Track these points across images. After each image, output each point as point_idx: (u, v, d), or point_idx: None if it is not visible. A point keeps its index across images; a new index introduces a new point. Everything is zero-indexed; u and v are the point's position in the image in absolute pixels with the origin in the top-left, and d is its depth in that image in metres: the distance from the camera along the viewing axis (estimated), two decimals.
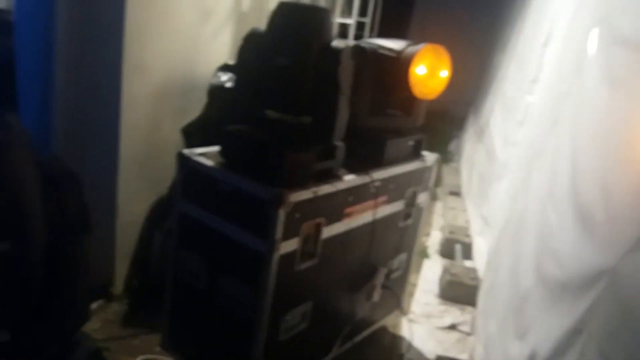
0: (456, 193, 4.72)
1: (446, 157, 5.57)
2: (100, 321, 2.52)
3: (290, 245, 1.84)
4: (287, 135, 1.83)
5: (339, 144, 1.92)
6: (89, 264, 1.03)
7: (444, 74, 2.14)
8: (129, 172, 2.65)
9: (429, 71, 2.10)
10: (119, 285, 2.77)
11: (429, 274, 3.46)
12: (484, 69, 5.55)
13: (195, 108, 2.86)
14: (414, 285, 3.28)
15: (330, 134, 1.80)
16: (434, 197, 4.66)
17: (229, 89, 2.64)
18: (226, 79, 2.69)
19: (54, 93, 2.54)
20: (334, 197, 1.94)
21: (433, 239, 3.99)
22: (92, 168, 2.52)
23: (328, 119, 1.79)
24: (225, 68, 2.76)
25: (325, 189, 1.88)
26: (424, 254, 3.71)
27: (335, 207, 1.98)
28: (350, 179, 2.00)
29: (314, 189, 1.83)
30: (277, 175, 1.77)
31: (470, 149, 5.07)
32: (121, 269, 2.78)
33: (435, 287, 3.29)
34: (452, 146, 6.02)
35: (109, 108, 2.51)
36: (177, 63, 2.78)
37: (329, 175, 1.92)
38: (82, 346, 1.08)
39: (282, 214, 1.73)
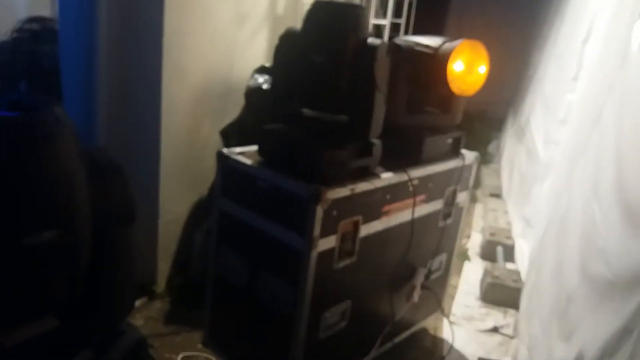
0: (497, 195, 4.63)
1: (486, 158, 5.47)
2: (143, 318, 2.57)
3: (328, 243, 1.84)
4: (324, 133, 1.84)
5: (376, 141, 1.91)
6: (134, 254, 1.06)
7: (482, 69, 2.11)
8: (170, 173, 2.71)
9: (467, 67, 2.07)
10: (161, 284, 2.83)
11: (470, 277, 3.40)
12: (523, 69, 5.45)
13: (233, 110, 2.90)
14: (455, 287, 3.24)
15: (367, 131, 1.80)
16: (473, 199, 4.59)
17: (265, 91, 2.66)
18: (263, 81, 2.72)
19: (96, 98, 2.62)
20: (371, 194, 1.93)
21: (473, 242, 3.93)
22: (134, 169, 2.56)
23: (364, 116, 1.79)
24: (261, 70, 2.79)
25: (363, 186, 1.88)
26: (465, 257, 3.65)
27: (373, 205, 1.98)
28: (387, 177, 1.99)
29: (351, 186, 1.83)
30: (314, 172, 1.78)
31: (511, 149, 4.97)
32: (163, 267, 2.84)
33: (476, 290, 3.24)
34: (491, 147, 5.92)
35: (150, 111, 2.57)
36: (215, 66, 2.83)
37: (366, 173, 1.92)
38: (127, 335, 1.11)
39: (319, 211, 1.74)
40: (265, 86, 2.69)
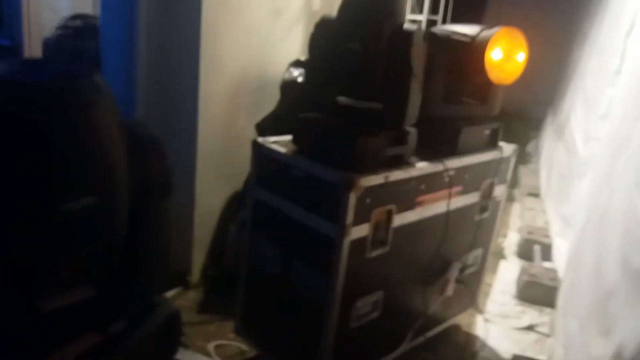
0: (535, 194, 4.53)
1: (524, 158, 5.37)
2: (178, 307, 2.61)
3: (361, 231, 1.83)
4: (359, 121, 1.83)
5: (411, 129, 1.90)
6: (171, 228, 1.08)
7: (521, 57, 2.07)
8: (207, 165, 2.75)
9: (505, 55, 2.03)
10: (196, 274, 2.87)
11: (506, 275, 3.33)
12: (563, 67, 5.33)
13: (268, 104, 2.92)
14: (490, 285, 3.18)
15: (402, 118, 1.78)
16: (511, 199, 4.51)
17: (300, 84, 2.67)
18: (298, 74, 2.73)
19: (136, 92, 2.69)
20: (405, 184, 1.92)
21: (510, 240, 3.85)
22: (172, 161, 2.64)
23: (400, 103, 1.77)
24: (297, 64, 2.81)
25: (397, 175, 1.87)
26: (501, 255, 3.59)
27: (407, 195, 1.96)
28: (422, 166, 1.97)
29: (385, 174, 1.82)
30: (348, 159, 1.77)
31: (549, 148, 4.86)
32: (198, 258, 2.88)
33: (512, 288, 3.17)
34: (530, 147, 5.80)
35: (188, 104, 2.62)
36: (251, 60, 2.86)
37: (401, 162, 1.90)
38: (161, 308, 1.13)
39: (352, 198, 1.73)
40: (300, 79, 2.70)
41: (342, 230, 1.77)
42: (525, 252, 3.57)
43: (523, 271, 3.16)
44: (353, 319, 1.99)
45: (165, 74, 2.66)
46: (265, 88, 2.93)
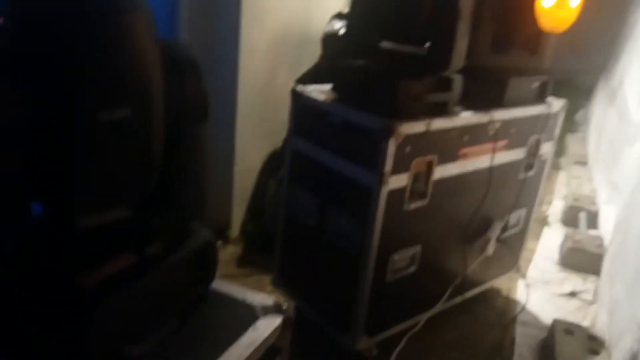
0: (582, 162, 4.38)
1: (572, 127, 5.19)
2: (221, 275, 2.65)
3: (399, 181, 1.79)
4: (401, 66, 1.77)
5: (456, 76, 1.83)
6: (208, 154, 1.06)
7: (575, 2, 1.96)
8: (246, 121, 2.74)
9: (558, 1, 1.93)
10: (235, 230, 2.89)
11: (549, 242, 3.24)
12: (617, 31, 5.07)
13: (309, 61, 2.87)
14: (532, 251, 3.10)
15: (447, 62, 1.71)
16: (557, 167, 4.37)
17: (341, 37, 2.61)
18: (339, 26, 2.67)
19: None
20: (448, 133, 1.86)
21: (555, 208, 3.74)
22: (212, 116, 2.64)
23: (445, 47, 1.70)
24: (339, 16, 2.74)
25: (439, 123, 1.80)
26: (545, 222, 3.49)
27: (449, 146, 1.90)
28: (466, 116, 1.90)
29: (427, 121, 1.76)
30: (388, 105, 1.72)
31: (600, 114, 4.67)
32: (237, 214, 2.90)
33: (555, 255, 3.08)
34: (578, 116, 5.59)
35: (229, 56, 2.60)
36: (293, 15, 2.81)
37: (444, 110, 1.84)
38: (197, 235, 1.13)
39: (391, 145, 1.69)
40: (341, 32, 2.64)
41: (380, 179, 1.73)
42: (570, 219, 3.46)
43: (567, 238, 3.06)
44: (389, 273, 1.96)
45: (206, 26, 2.64)
46: (307, 44, 2.89)
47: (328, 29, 2.72)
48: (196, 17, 2.62)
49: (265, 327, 1.11)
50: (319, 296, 2.15)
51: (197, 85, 1.01)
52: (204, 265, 1.17)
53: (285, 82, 2.86)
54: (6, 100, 0.74)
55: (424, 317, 2.13)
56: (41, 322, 0.91)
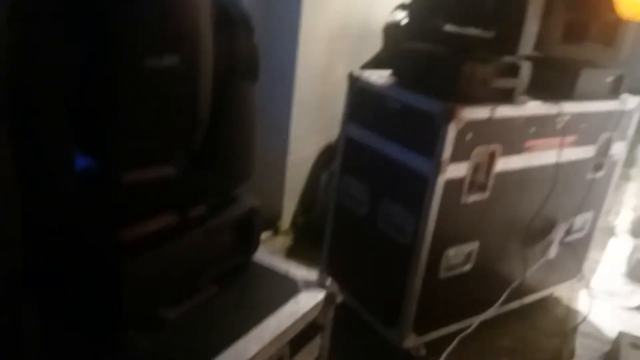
0: None
1: None
2: (267, 250, 2.63)
3: (458, 170, 1.70)
4: (466, 48, 1.68)
5: (524, 62, 1.72)
6: (255, 116, 1.02)
7: None
8: (302, 112, 2.70)
9: None
10: (286, 221, 2.87)
11: (616, 253, 3.05)
12: None
13: (370, 53, 2.82)
14: (597, 262, 2.92)
15: (515, 46, 1.60)
16: (626, 178, 4.11)
17: (403, 26, 2.55)
18: (402, 16, 2.60)
19: None
20: (513, 123, 1.75)
21: (623, 219, 3.52)
22: (268, 104, 2.62)
23: (513, 30, 1.59)
24: (402, 7, 2.68)
25: (504, 111, 1.70)
26: (612, 232, 3.28)
27: (514, 136, 1.79)
28: (534, 106, 1.79)
29: (491, 107, 1.66)
30: (450, 88, 1.63)
31: None
32: (289, 205, 2.88)
33: (622, 267, 2.89)
34: None
35: (288, 43, 2.57)
36: (354, 5, 2.76)
37: (510, 97, 1.73)
38: (242, 201, 1.09)
39: (452, 131, 1.60)
40: (403, 22, 2.57)
41: (438, 166, 1.64)
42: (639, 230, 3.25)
43: (636, 249, 2.88)
44: (443, 269, 1.87)
45: (267, 11, 2.62)
46: (368, 36, 2.83)
47: (390, 19, 2.65)
48: (259, 2, 2.62)
49: (307, 301, 1.05)
50: (367, 289, 2.08)
51: (248, 41, 0.97)
52: (248, 233, 1.13)
53: (344, 74, 2.80)
54: (51, 33, 0.72)
55: (477, 320, 2.01)
56: (78, 275, 0.89)
